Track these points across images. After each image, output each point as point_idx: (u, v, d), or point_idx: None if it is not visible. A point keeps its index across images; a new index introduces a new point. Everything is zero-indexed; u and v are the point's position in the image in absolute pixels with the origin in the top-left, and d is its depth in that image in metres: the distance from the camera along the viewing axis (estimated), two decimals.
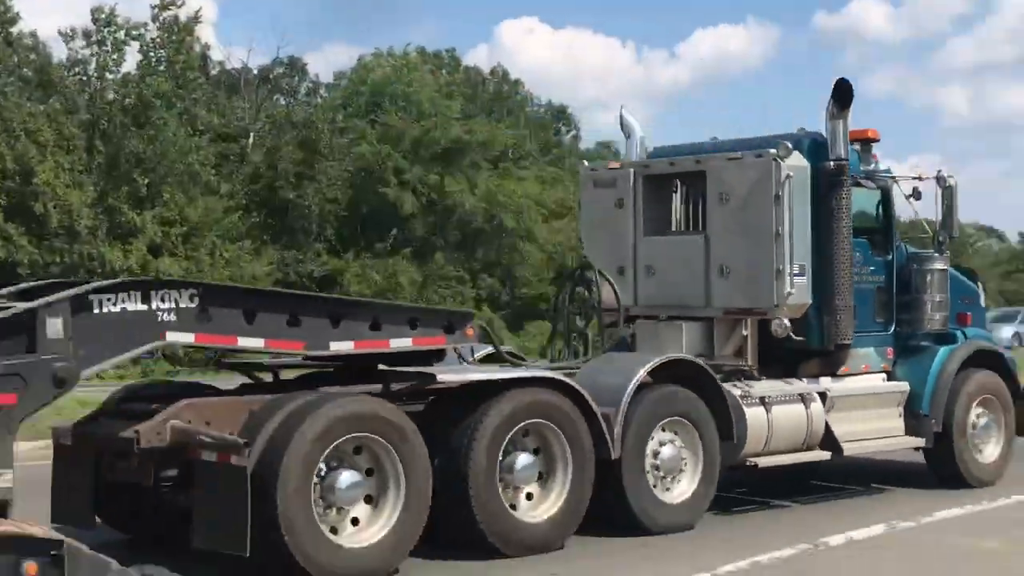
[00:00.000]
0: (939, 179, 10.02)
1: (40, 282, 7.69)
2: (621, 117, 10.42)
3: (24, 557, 5.77)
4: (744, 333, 9.18)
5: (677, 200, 9.53)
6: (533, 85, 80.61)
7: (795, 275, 8.86)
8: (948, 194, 10.07)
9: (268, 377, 8.42)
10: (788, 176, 8.81)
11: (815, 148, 9.24)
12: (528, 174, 41.97)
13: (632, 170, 9.83)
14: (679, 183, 9.52)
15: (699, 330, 9.25)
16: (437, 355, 7.94)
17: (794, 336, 8.97)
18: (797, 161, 8.98)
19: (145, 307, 6.82)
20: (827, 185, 9.09)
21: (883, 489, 10.17)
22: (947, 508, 9.22)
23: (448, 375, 7.70)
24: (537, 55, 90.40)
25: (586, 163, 11.26)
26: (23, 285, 7.59)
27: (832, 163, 9.12)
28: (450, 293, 35.33)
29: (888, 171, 9.92)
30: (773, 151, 8.88)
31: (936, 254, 10.10)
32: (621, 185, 9.77)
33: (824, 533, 8.24)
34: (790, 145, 8.96)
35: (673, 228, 9.59)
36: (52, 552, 5.88)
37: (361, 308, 7.96)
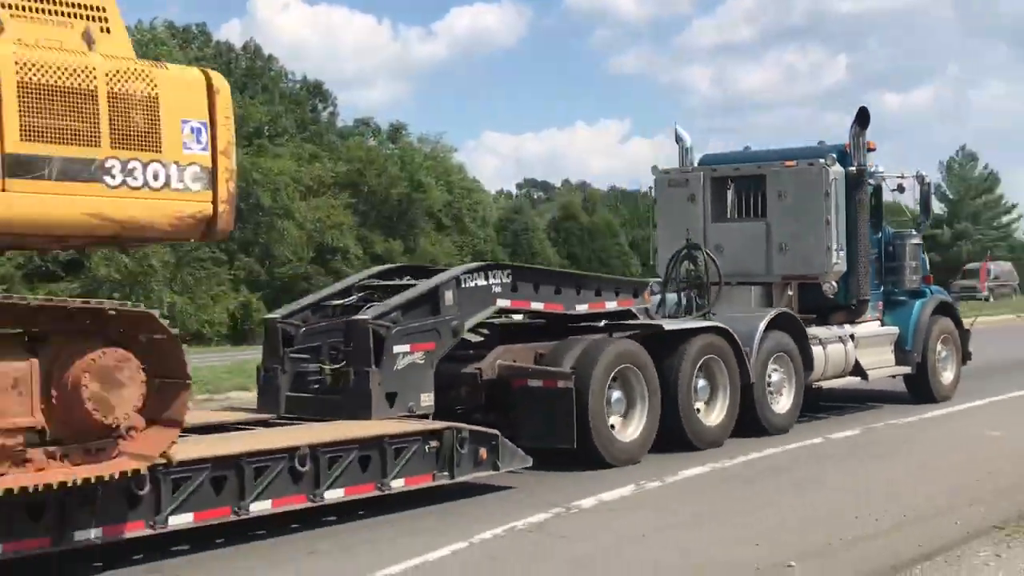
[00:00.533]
0: (918, 177, 13.90)
1: (388, 266, 10.68)
2: (676, 131, 13.71)
3: (478, 444, 8.70)
4: (790, 294, 12.91)
5: (735, 196, 13.13)
6: (288, 61, 79.44)
7: (838, 250, 12.61)
8: (926, 188, 14.11)
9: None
10: (834, 179, 12.50)
11: (841, 157, 12.79)
12: (284, 151, 41.89)
13: (702, 173, 13.37)
14: (733, 182, 13.14)
15: (761, 292, 12.93)
16: (625, 314, 11.21)
17: (830, 295, 12.81)
18: (837, 167, 12.63)
19: (484, 283, 9.79)
20: (853, 185, 12.77)
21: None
22: (693, 467, 9.88)
23: (665, 324, 11.05)
24: (292, 31, 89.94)
25: (658, 167, 13.84)
26: (378, 268, 10.61)
27: (856, 168, 12.79)
28: (205, 275, 35.38)
29: (880, 171, 13.47)
30: (822, 160, 12.48)
31: (914, 232, 14.06)
32: (693, 184, 13.34)
33: (576, 496, 8.63)
34: (834, 156, 12.56)
35: (730, 216, 13.21)
36: (492, 442, 8.85)
37: (591, 280, 11.22)
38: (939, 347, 14.13)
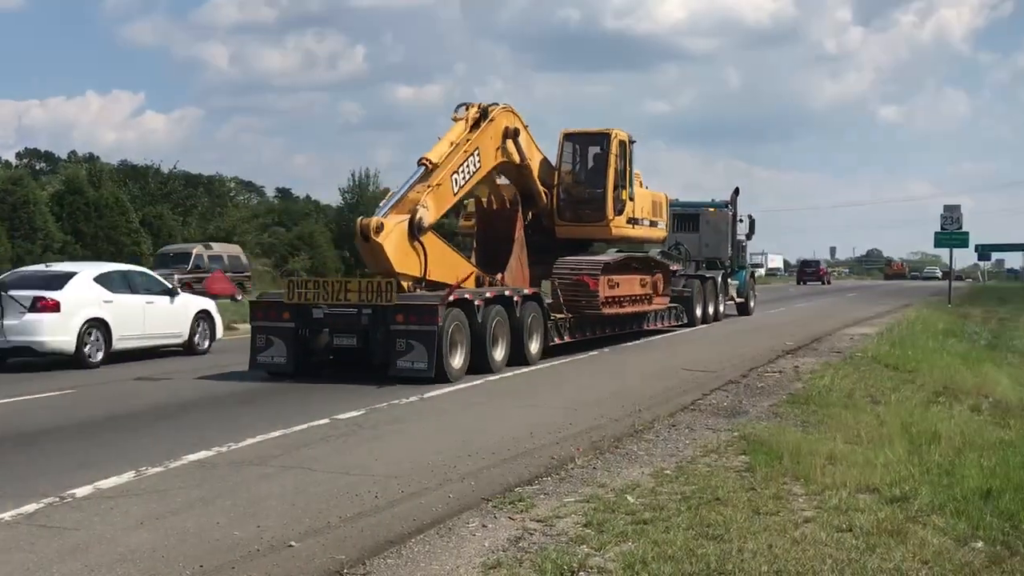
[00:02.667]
0: (749, 216, 32.97)
1: None
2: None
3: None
4: (704, 265, 30.19)
5: (684, 223, 30.11)
6: None
7: (730, 247, 30.77)
8: (752, 220, 33.22)
9: None
10: (730, 216, 30.88)
11: (725, 205, 31.13)
12: None
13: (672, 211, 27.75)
14: (681, 217, 29.86)
15: (693, 267, 29.27)
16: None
17: (725, 266, 30.91)
18: (728, 211, 31.00)
19: None
20: (733, 219, 31.05)
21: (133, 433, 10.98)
22: (196, 453, 9.47)
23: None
24: None
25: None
26: None
27: (732, 211, 31.15)
28: None
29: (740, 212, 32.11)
30: (726, 208, 31.03)
31: (747, 240, 33.00)
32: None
33: (71, 485, 8.33)
34: (728, 206, 31.15)
35: (684, 231, 30.06)
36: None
37: None
38: (751, 292, 33.10)
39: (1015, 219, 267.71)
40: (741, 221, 31.52)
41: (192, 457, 9.54)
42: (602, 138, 21.46)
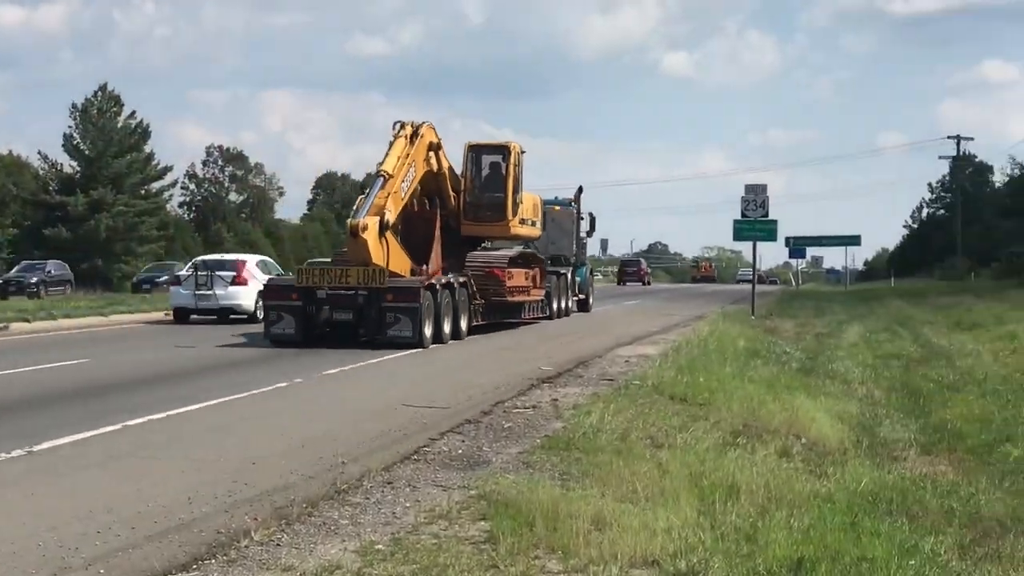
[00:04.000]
0: (590, 214, 47.57)
1: None
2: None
3: None
4: (550, 261, 40.59)
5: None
6: None
7: (577, 246, 45.17)
8: (592, 218, 47.93)
9: None
10: (579, 215, 45.56)
11: (569, 203, 45.18)
12: None
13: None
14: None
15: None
16: None
17: (571, 260, 44.72)
18: (573, 208, 45.25)
19: None
20: (578, 219, 45.27)
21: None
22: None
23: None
24: None
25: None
26: None
27: (577, 209, 45.39)
28: None
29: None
30: (572, 206, 45.17)
31: (588, 238, 48.36)
32: None
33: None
34: (571, 204, 45.19)
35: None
36: None
37: None
38: (590, 289, 47.78)
39: (837, 204, 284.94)
40: (583, 219, 46.03)
41: None
42: (501, 149, 35.24)
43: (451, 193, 33.06)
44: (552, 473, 11.84)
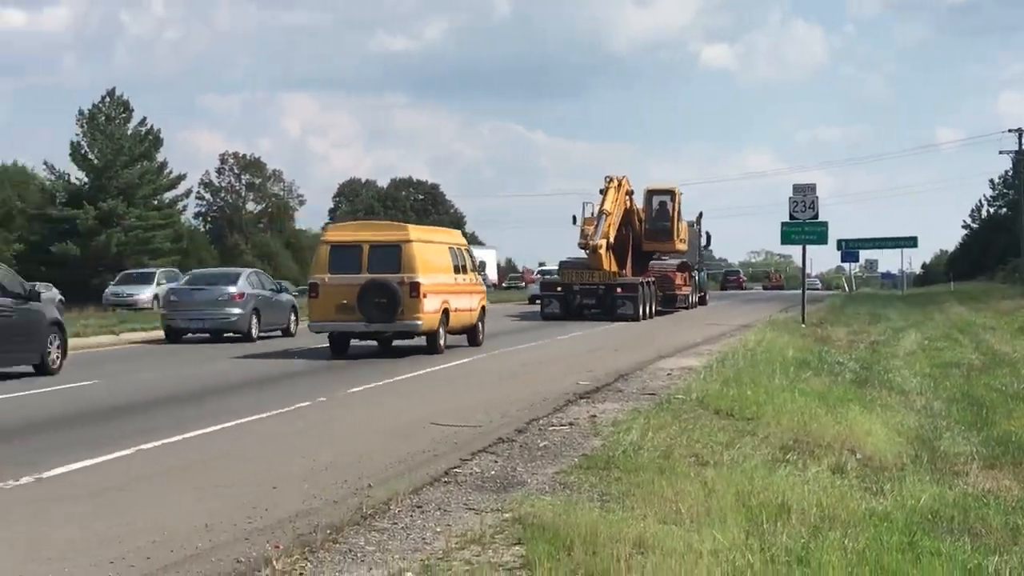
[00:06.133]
0: (708, 232, 71.23)
1: None
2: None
3: None
4: None
5: None
6: None
7: (699, 257, 70.01)
8: (708, 235, 70.65)
9: None
10: (700, 233, 67.41)
11: (693, 224, 65.06)
12: None
13: None
14: None
15: None
16: None
17: None
18: (697, 229, 66.33)
19: None
20: (699, 235, 67.66)
21: None
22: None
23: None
24: None
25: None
26: None
27: (699, 229, 66.80)
28: None
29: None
30: (696, 226, 65.39)
31: (706, 250, 74.95)
32: None
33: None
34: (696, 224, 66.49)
35: None
36: None
37: None
38: (707, 287, 77.55)
39: (891, 204, 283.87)
40: (702, 236, 67.20)
41: None
42: (669, 192, 57.71)
43: (637, 222, 54.77)
44: (590, 493, 11.84)
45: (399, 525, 10.72)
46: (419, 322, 29.34)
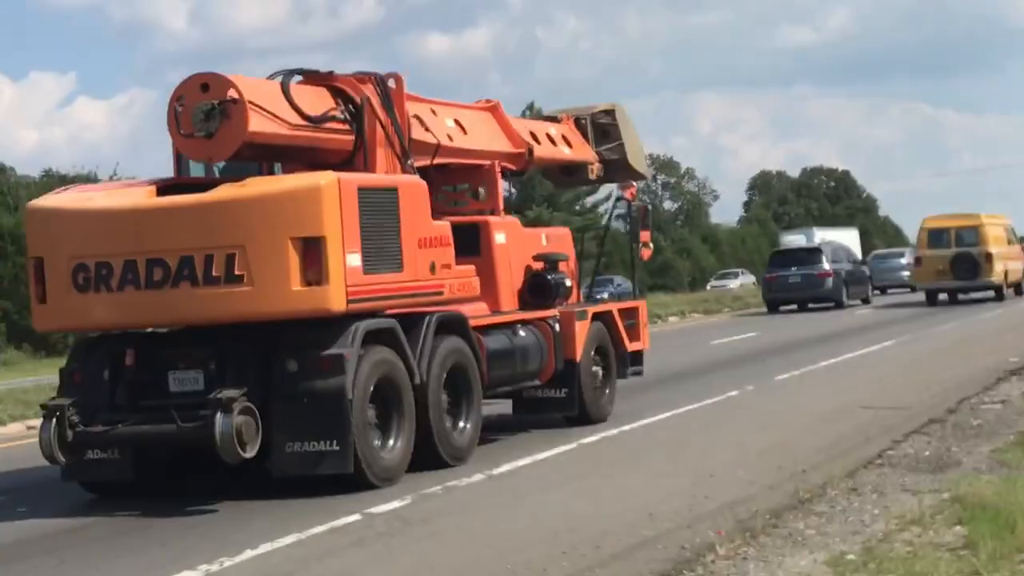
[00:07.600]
0: None
1: None
2: None
3: None
4: None
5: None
6: None
7: None
8: None
9: None
10: None
11: None
12: None
13: None
14: None
15: None
16: None
17: None
18: None
19: None
20: None
21: None
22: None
23: None
24: None
25: None
26: None
27: None
28: None
29: None
30: None
31: None
32: None
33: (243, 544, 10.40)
34: None
35: None
36: None
37: None
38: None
39: None
40: None
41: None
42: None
43: None
44: None
45: (837, 508, 10.64)
46: (994, 279, 42.70)
